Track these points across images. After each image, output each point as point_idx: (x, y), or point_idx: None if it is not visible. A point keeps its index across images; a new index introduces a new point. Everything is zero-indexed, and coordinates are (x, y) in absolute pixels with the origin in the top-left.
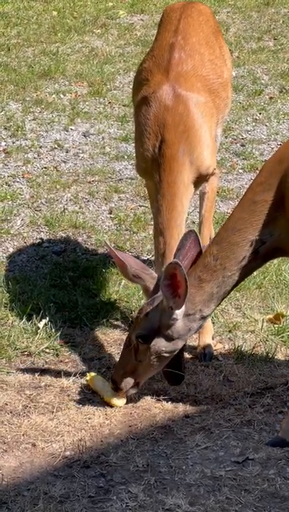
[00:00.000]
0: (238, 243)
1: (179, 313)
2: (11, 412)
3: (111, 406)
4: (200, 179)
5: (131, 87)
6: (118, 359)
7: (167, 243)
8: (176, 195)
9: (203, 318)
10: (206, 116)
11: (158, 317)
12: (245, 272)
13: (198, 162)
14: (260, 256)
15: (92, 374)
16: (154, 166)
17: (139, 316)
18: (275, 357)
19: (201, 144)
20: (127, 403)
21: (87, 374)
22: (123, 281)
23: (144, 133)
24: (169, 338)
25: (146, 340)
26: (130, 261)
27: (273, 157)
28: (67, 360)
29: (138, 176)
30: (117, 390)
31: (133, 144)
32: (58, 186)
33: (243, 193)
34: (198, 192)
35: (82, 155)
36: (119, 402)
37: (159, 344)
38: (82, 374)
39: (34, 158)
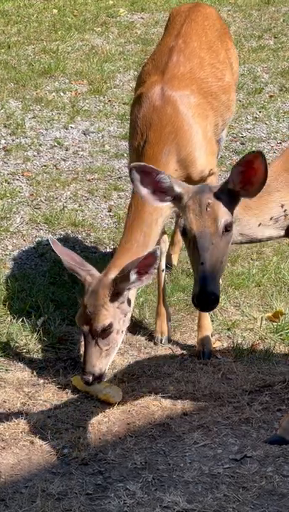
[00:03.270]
0: None
1: None
2: (9, 410)
3: (108, 404)
4: (192, 181)
5: (131, 85)
6: None
7: (123, 244)
8: None
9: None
10: (198, 118)
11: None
12: None
13: (186, 162)
14: None
15: (78, 376)
16: None
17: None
18: (274, 355)
19: (191, 145)
20: (123, 399)
21: (73, 378)
22: None
23: (132, 132)
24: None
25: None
26: (66, 257)
27: None
28: (65, 358)
29: None
30: None
31: None
32: (57, 184)
33: None
34: None
35: (81, 153)
36: (117, 398)
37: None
38: (80, 372)
39: (34, 156)
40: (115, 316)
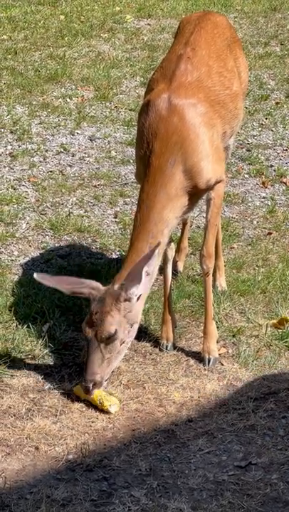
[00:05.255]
0: None
1: None
2: (14, 415)
3: (106, 413)
4: (199, 190)
5: (137, 91)
6: None
7: (129, 255)
8: (154, 208)
9: None
10: (204, 127)
11: None
12: None
13: (192, 172)
14: None
15: (80, 386)
16: (142, 175)
17: None
18: (279, 362)
19: (197, 154)
20: (128, 405)
21: (75, 387)
22: None
23: (139, 140)
24: None
25: None
26: (62, 283)
27: None
28: (71, 364)
29: None
30: None
31: None
32: (63, 190)
33: (248, 197)
34: (204, 197)
35: (87, 159)
36: (113, 408)
37: None
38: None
39: (40, 161)
40: (121, 324)
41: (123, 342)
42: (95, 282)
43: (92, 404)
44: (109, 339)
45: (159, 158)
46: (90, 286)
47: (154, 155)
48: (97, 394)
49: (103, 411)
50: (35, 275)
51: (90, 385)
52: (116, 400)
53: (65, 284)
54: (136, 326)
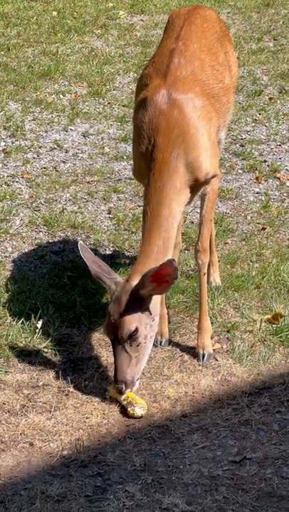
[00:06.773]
0: None
1: None
2: (8, 412)
3: (132, 417)
4: (198, 183)
5: (131, 87)
6: None
7: (143, 249)
8: (163, 202)
9: None
10: (203, 120)
11: None
12: None
13: (193, 165)
14: None
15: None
16: (145, 171)
17: None
18: (273, 357)
19: (197, 148)
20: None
21: (108, 388)
22: None
23: (138, 136)
24: None
25: None
26: (93, 264)
27: None
28: (65, 360)
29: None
30: None
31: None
32: (57, 186)
33: (242, 193)
34: (199, 193)
35: (81, 155)
36: (138, 412)
37: None
38: (80, 374)
39: (33, 158)
40: (141, 321)
41: (147, 338)
42: (120, 278)
43: (87, 399)
44: (132, 337)
45: (162, 152)
46: (114, 281)
47: (157, 149)
48: (125, 398)
49: (128, 415)
50: (80, 243)
51: (122, 386)
52: (144, 403)
53: (96, 266)
54: (157, 319)
